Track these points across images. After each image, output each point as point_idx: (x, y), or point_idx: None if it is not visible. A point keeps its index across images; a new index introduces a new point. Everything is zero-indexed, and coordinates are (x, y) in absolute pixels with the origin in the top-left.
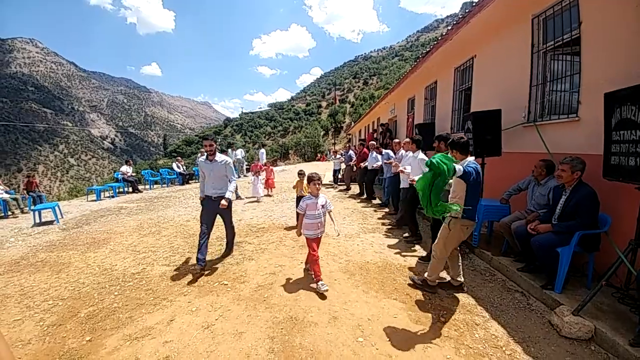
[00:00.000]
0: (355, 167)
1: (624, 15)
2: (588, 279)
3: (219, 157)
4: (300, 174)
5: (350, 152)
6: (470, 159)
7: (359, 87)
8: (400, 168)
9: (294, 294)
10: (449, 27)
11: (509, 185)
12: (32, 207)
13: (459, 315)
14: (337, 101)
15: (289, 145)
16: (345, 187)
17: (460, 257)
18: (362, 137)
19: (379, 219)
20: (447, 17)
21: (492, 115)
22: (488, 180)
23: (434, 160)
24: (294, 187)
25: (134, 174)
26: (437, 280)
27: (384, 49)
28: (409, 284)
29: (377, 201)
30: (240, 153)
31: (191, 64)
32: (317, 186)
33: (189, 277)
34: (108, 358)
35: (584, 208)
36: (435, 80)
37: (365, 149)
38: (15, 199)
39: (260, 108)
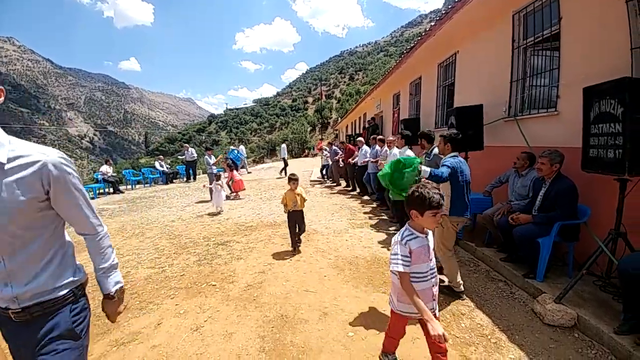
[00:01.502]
0: (342, 163)
1: (603, 10)
2: (569, 268)
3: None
4: (293, 179)
5: (335, 147)
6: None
7: (345, 82)
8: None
9: (284, 292)
10: (433, 23)
11: (491, 178)
12: None
13: (445, 305)
14: (324, 97)
15: (276, 141)
16: (334, 183)
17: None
18: (350, 132)
19: (365, 213)
20: (431, 12)
21: (474, 110)
22: (471, 174)
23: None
24: (283, 203)
25: (114, 174)
26: (461, 284)
27: (369, 44)
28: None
29: (366, 197)
30: (242, 149)
31: (172, 59)
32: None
33: (176, 279)
34: None
35: (563, 199)
36: (420, 76)
37: (351, 146)
38: None
39: (246, 104)
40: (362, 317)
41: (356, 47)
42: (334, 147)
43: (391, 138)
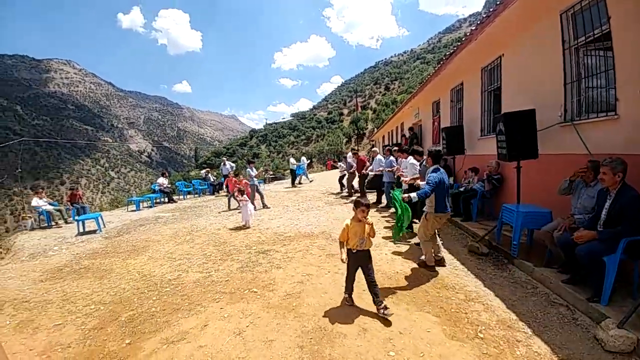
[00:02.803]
0: (357, 174)
1: None
2: (634, 289)
3: None
4: (362, 205)
5: (349, 160)
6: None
7: (380, 92)
8: (401, 173)
9: (322, 304)
10: (473, 27)
11: (547, 189)
12: (76, 218)
13: (499, 331)
14: (359, 108)
15: (312, 153)
16: (347, 193)
17: (438, 237)
18: (386, 143)
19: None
20: (470, 16)
21: (526, 115)
22: (525, 185)
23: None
24: (342, 239)
25: (169, 185)
26: (433, 261)
27: (404, 53)
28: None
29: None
30: (304, 160)
31: (218, 80)
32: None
33: (221, 284)
34: None
35: (629, 212)
36: (462, 82)
37: (362, 157)
38: (59, 210)
39: (284, 118)
40: (404, 337)
41: (391, 57)
42: (348, 160)
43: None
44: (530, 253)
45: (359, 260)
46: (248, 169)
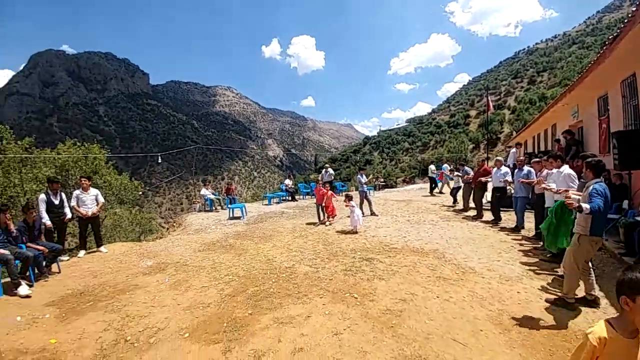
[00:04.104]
0: (473, 185)
1: None
2: None
3: None
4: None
5: (466, 167)
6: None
7: (521, 87)
8: (545, 185)
9: (425, 330)
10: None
11: None
12: (229, 206)
13: None
14: (492, 108)
15: (429, 161)
16: (462, 207)
17: (592, 272)
18: (531, 149)
19: (530, 253)
20: None
21: None
22: None
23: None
24: None
25: (293, 186)
26: (574, 298)
27: (554, 37)
28: (546, 303)
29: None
30: (447, 167)
31: (337, 92)
32: None
33: (326, 281)
34: (260, 332)
35: None
36: (634, 73)
37: (484, 165)
38: (219, 199)
39: (398, 124)
40: None
41: (536, 44)
42: (465, 167)
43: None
44: None
45: None
46: (358, 176)
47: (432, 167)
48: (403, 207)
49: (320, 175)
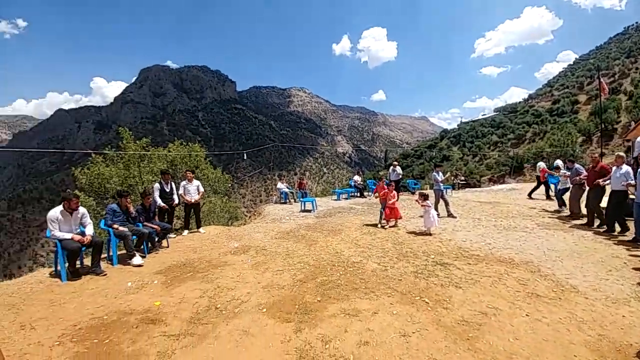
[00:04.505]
0: (584, 186)
1: None
2: None
3: None
4: None
5: (577, 165)
6: None
7: (636, 68)
8: None
9: (509, 350)
10: None
11: None
12: (301, 199)
13: None
14: (606, 92)
15: (524, 157)
16: (568, 212)
17: None
18: None
19: None
20: None
21: None
22: None
23: None
24: None
25: (362, 183)
26: None
27: None
28: None
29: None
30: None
31: (410, 83)
32: None
33: (394, 281)
34: (327, 320)
35: None
36: None
37: (600, 162)
38: (292, 192)
39: (484, 114)
40: None
41: None
42: (576, 165)
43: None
44: None
45: None
46: (434, 173)
47: (542, 164)
48: (488, 210)
49: (387, 172)
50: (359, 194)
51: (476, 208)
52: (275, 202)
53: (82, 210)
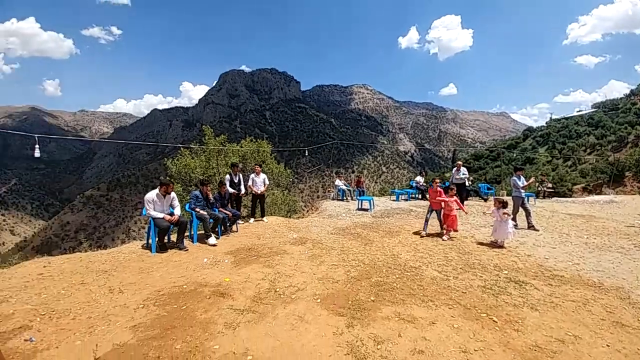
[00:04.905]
0: None
1: None
2: None
3: None
4: None
5: None
6: None
7: None
8: None
9: None
10: None
11: None
12: (358, 197)
13: None
14: None
15: (626, 163)
16: None
17: None
18: None
19: None
20: None
21: None
22: None
23: None
24: None
25: (425, 184)
26: None
27: None
28: None
29: None
30: None
31: (487, 76)
32: None
33: (457, 293)
34: (380, 321)
35: None
36: None
37: None
38: (349, 190)
39: (580, 111)
40: None
41: None
42: None
43: None
44: None
45: None
46: (514, 177)
47: None
48: (580, 225)
49: (450, 174)
50: (420, 196)
51: (565, 221)
52: (333, 199)
53: (173, 194)
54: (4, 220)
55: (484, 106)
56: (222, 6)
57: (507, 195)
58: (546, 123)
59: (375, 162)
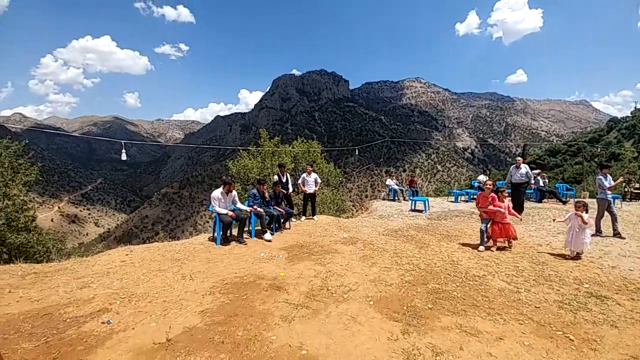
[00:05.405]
0: None
1: None
2: None
3: None
4: None
5: None
6: None
7: None
8: None
9: None
10: None
11: None
12: (411, 198)
13: None
14: None
15: None
16: None
17: None
18: None
19: None
20: None
21: None
22: None
23: None
24: None
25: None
26: None
27: None
28: None
29: None
30: None
31: (562, 60)
32: None
33: (529, 308)
34: (439, 331)
35: None
36: None
37: None
38: (402, 190)
39: None
40: None
41: None
42: None
43: None
44: None
45: None
46: (599, 176)
47: None
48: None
49: (509, 173)
50: None
51: None
52: (383, 199)
53: (234, 192)
54: (89, 214)
55: (561, 94)
56: (272, 13)
57: (590, 197)
58: (631, 113)
59: (429, 160)
